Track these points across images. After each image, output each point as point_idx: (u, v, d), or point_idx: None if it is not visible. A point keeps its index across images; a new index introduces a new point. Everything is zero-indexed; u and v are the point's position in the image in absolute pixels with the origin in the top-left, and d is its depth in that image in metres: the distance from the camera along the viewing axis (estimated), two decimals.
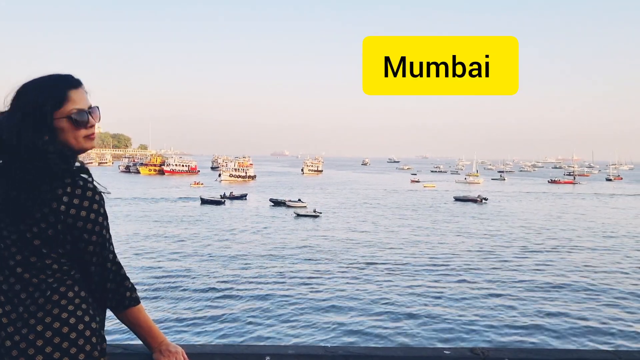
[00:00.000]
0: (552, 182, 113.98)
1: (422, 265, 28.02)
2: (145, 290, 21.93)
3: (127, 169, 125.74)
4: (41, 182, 1.53)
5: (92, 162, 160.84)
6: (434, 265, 28.17)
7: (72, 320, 1.56)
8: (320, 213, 49.22)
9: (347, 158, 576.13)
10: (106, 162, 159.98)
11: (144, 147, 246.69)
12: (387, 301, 21.15)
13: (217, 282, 24.00)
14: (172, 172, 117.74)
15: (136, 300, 1.74)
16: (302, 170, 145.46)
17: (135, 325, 1.76)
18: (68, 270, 1.60)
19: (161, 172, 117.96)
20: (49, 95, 1.59)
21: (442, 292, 22.61)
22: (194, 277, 24.73)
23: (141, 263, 27.63)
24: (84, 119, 1.64)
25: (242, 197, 62.24)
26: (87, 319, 1.59)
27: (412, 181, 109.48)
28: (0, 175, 1.58)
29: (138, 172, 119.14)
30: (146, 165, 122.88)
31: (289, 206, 55.65)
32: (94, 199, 1.57)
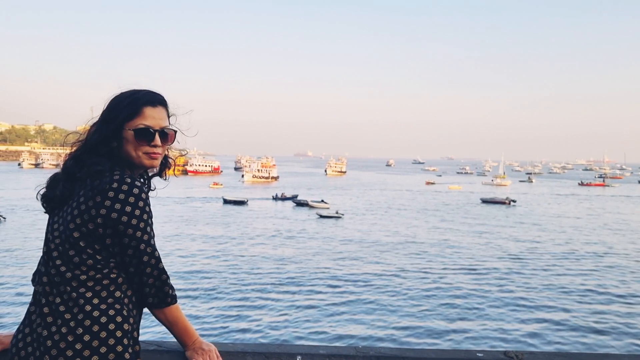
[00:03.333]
0: (583, 184, 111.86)
1: (449, 268, 27.59)
2: (176, 289, 21.95)
3: None
4: (92, 177, 1.60)
5: None
6: (462, 267, 27.71)
7: (103, 319, 1.57)
8: (343, 214, 49.04)
9: (371, 159, 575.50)
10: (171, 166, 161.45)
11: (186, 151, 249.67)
12: (415, 302, 20.84)
13: (243, 281, 23.98)
14: (196, 172, 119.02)
15: (175, 299, 1.75)
16: (325, 171, 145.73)
17: (172, 324, 1.77)
18: (102, 269, 1.62)
19: (184, 173, 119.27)
20: (125, 108, 1.70)
21: (471, 294, 22.18)
22: (219, 277, 24.75)
23: (168, 263, 27.67)
24: (147, 135, 1.71)
25: (294, 197, 61.90)
26: (119, 319, 1.60)
27: (427, 182, 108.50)
28: (64, 173, 1.70)
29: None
30: None
31: (311, 207, 55.62)
32: (139, 197, 1.60)
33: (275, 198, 60.99)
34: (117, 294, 1.62)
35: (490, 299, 21.63)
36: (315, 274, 25.64)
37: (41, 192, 1.73)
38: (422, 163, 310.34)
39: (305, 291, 22.42)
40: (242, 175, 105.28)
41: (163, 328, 1.81)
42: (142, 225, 1.60)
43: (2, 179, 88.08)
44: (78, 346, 1.53)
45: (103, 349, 1.54)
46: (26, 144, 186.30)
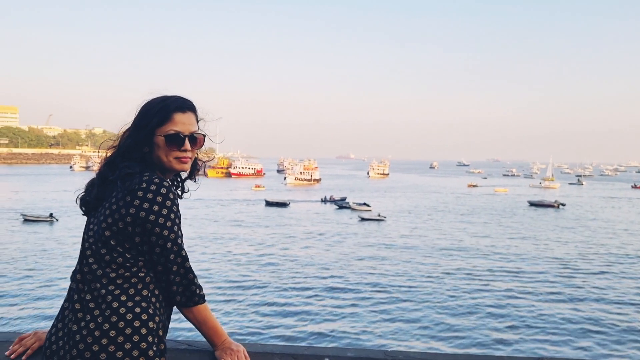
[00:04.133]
0: (636, 187, 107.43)
1: (493, 273, 26.97)
2: (210, 288, 22.34)
3: None
4: (123, 179, 1.67)
5: None
6: (507, 272, 27.03)
7: (129, 316, 1.61)
8: (385, 217, 48.69)
9: (414, 161, 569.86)
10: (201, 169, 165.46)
11: (211, 150, 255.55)
12: (456, 308, 20.48)
13: (280, 283, 24.12)
14: (239, 174, 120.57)
15: (203, 298, 1.77)
16: (368, 173, 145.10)
17: (201, 323, 1.79)
18: (131, 267, 1.67)
19: (228, 175, 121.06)
20: (156, 114, 1.76)
21: (516, 300, 21.62)
22: (257, 278, 24.99)
23: (207, 263, 28.24)
24: (177, 140, 1.77)
25: (342, 200, 61.84)
26: (144, 317, 1.63)
27: (470, 185, 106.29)
28: (98, 177, 1.78)
29: (206, 174, 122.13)
30: (213, 168, 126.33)
31: (353, 209, 55.43)
32: (167, 196, 1.64)
33: (324, 200, 60.75)
34: (145, 292, 1.66)
35: (537, 305, 21.01)
36: (354, 277, 25.53)
37: (79, 196, 1.82)
38: (467, 165, 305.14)
39: (343, 294, 22.36)
40: (285, 178, 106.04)
41: (195, 329, 1.83)
42: (169, 224, 1.64)
43: (56, 181, 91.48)
44: (104, 341, 1.57)
45: (127, 345, 1.58)
46: (77, 147, 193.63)
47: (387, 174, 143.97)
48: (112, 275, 1.64)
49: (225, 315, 18.99)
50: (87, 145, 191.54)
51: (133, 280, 1.65)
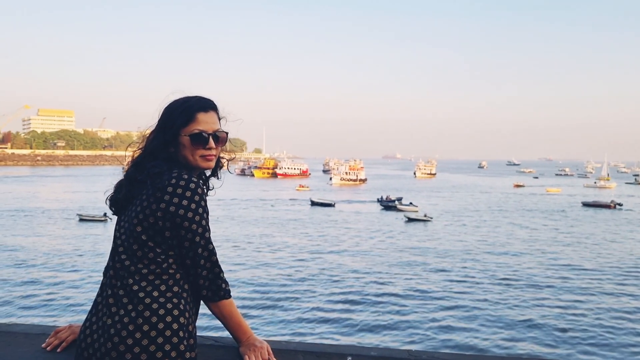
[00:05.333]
0: None
1: (543, 275, 26.18)
2: (249, 287, 22.63)
3: (243, 172, 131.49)
4: (152, 178, 1.72)
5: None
6: (558, 276, 26.15)
7: (161, 312, 1.66)
8: (432, 217, 48.00)
9: (462, 161, 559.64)
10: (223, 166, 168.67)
11: (258, 151, 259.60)
12: (486, 310, 20.00)
13: (319, 282, 24.13)
14: (285, 175, 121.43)
15: (228, 293, 1.81)
16: (414, 173, 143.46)
17: (226, 318, 1.83)
18: (162, 263, 1.72)
19: (274, 175, 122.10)
20: (180, 115, 1.81)
21: (563, 304, 20.92)
22: (297, 278, 25.07)
23: (248, 262, 28.58)
24: (202, 139, 1.82)
25: (398, 200, 61.47)
26: (176, 312, 1.68)
27: (516, 185, 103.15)
28: (126, 178, 1.84)
29: (252, 175, 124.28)
30: (260, 168, 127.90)
31: (400, 210, 54.91)
32: (195, 191, 1.69)
33: (380, 201, 60.13)
34: (175, 288, 1.71)
35: (591, 314, 20.23)
36: (396, 278, 25.28)
37: (109, 197, 1.89)
38: (518, 164, 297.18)
39: (384, 295, 22.16)
40: (330, 178, 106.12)
41: (221, 325, 1.87)
42: (197, 218, 1.69)
43: (109, 182, 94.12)
44: (138, 335, 1.63)
45: (160, 340, 1.64)
46: (129, 149, 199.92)
47: (434, 174, 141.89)
48: (144, 271, 1.69)
49: (258, 313, 19.23)
50: None
51: (164, 276, 1.70)
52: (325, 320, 18.66)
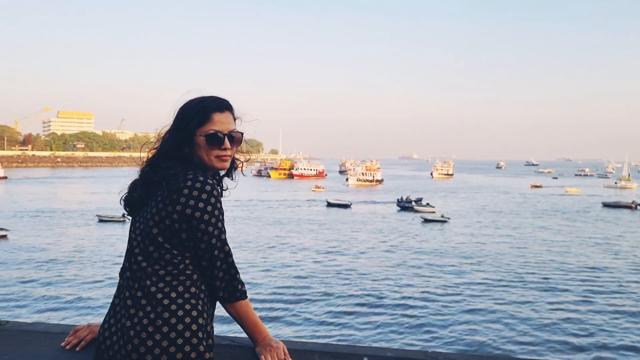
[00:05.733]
0: None
1: (560, 277, 25.83)
2: (263, 287, 22.68)
3: (259, 173, 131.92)
4: (168, 180, 1.73)
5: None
6: (578, 279, 25.76)
7: (180, 313, 1.67)
8: (449, 218, 47.68)
9: (479, 161, 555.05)
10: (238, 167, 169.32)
11: (274, 152, 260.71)
12: (504, 312, 19.80)
13: (335, 283, 24.11)
14: (301, 175, 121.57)
15: (245, 294, 1.82)
16: (431, 174, 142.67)
17: (242, 318, 1.84)
18: (179, 264, 1.72)
19: (290, 176, 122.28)
20: (195, 115, 1.81)
21: (579, 306, 20.61)
22: (313, 278, 25.08)
23: (264, 263, 28.65)
24: (217, 140, 1.81)
25: (418, 200, 61.24)
26: (194, 313, 1.69)
27: (533, 186, 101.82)
28: (141, 178, 1.84)
29: (269, 175, 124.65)
30: (276, 169, 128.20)
31: (416, 211, 54.62)
32: (212, 195, 1.69)
33: (400, 201, 59.77)
34: (193, 289, 1.72)
35: (610, 314, 19.92)
36: (411, 278, 25.16)
37: (123, 197, 1.89)
38: (536, 165, 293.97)
39: (401, 296, 22.07)
40: (347, 179, 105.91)
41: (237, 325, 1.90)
42: (213, 220, 1.70)
43: (127, 183, 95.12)
44: (157, 337, 1.64)
45: (180, 341, 1.65)
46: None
47: (452, 175, 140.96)
48: (161, 272, 1.70)
49: (274, 314, 19.29)
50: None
51: (181, 277, 1.71)
52: (342, 321, 18.65)
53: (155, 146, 1.88)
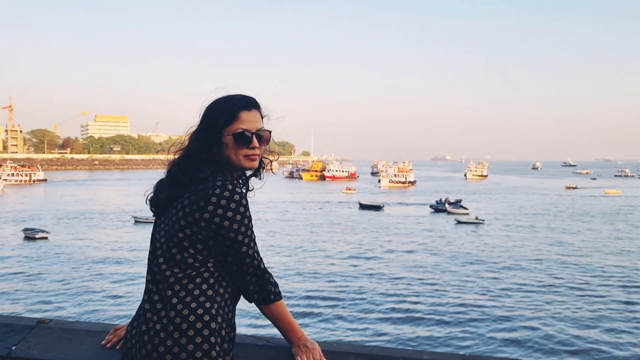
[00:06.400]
0: None
1: (598, 284, 25.11)
2: (298, 289, 22.72)
3: (291, 175, 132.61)
4: (196, 183, 1.70)
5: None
6: (617, 285, 24.98)
7: (191, 318, 1.65)
8: (483, 220, 46.94)
9: (514, 162, 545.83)
10: (272, 169, 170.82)
11: (306, 154, 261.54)
12: (542, 319, 19.36)
13: (366, 284, 24.03)
14: (333, 177, 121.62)
15: (279, 295, 1.80)
16: (465, 175, 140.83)
17: (277, 320, 1.82)
18: (200, 267, 1.69)
19: (322, 178, 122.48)
20: (222, 114, 1.78)
21: (619, 316, 19.98)
22: (346, 279, 25.07)
23: (299, 264, 28.73)
24: (245, 139, 1.78)
25: (457, 202, 60.55)
26: (206, 318, 1.66)
27: (568, 187, 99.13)
28: (168, 179, 1.81)
29: (300, 177, 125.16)
30: (308, 171, 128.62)
31: (450, 212, 53.96)
32: (240, 202, 1.66)
33: (438, 203, 59.07)
34: (209, 292, 1.70)
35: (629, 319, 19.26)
36: (445, 281, 24.86)
37: (149, 197, 1.87)
38: (574, 165, 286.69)
39: (436, 298, 21.85)
40: (379, 181, 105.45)
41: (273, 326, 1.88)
42: (242, 229, 1.67)
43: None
44: (169, 343, 1.63)
45: (190, 347, 1.63)
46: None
47: (486, 176, 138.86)
48: (180, 275, 1.68)
49: (308, 315, 19.32)
50: None
51: (197, 280, 1.69)
52: (376, 324, 18.58)
53: (183, 146, 1.85)
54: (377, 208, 59.20)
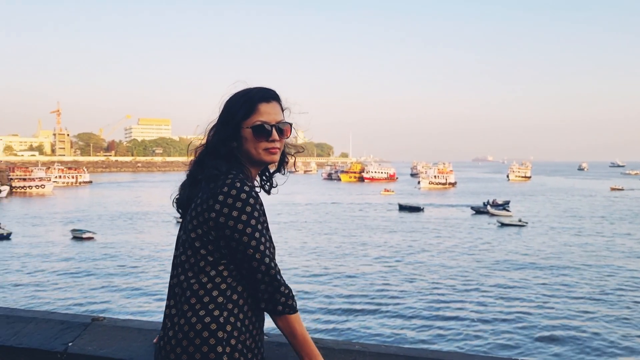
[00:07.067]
0: None
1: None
2: (337, 291, 22.68)
3: (329, 176, 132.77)
4: (208, 180, 1.65)
5: (297, 171, 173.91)
6: None
7: (198, 326, 1.61)
8: (527, 222, 45.82)
9: (559, 162, 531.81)
10: (311, 170, 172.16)
11: (344, 155, 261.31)
12: (593, 325, 18.75)
13: (408, 287, 23.81)
14: (372, 179, 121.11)
15: (291, 308, 1.65)
16: (507, 176, 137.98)
17: (288, 335, 1.68)
18: (210, 271, 1.64)
19: (361, 179, 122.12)
20: (241, 107, 1.72)
21: None
22: (386, 282, 24.91)
23: (340, 266, 28.69)
24: (264, 131, 1.72)
25: (506, 204, 59.50)
26: (213, 327, 1.60)
27: (613, 188, 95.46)
28: (188, 178, 1.79)
29: (339, 179, 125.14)
30: (347, 172, 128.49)
31: (492, 214, 52.95)
32: (247, 201, 1.59)
33: (486, 205, 58.05)
34: (220, 299, 1.63)
35: None
36: (488, 286, 24.36)
37: (175, 199, 1.83)
38: (622, 166, 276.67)
39: (475, 301, 21.50)
40: (419, 182, 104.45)
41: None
42: (249, 230, 1.59)
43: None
44: (178, 350, 1.60)
45: (197, 356, 1.59)
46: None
47: (529, 177, 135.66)
48: (192, 281, 1.63)
49: (350, 317, 19.25)
50: None
51: (209, 286, 1.63)
52: (423, 327, 18.42)
53: (202, 142, 1.79)
54: (416, 209, 58.59)
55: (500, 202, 58.68)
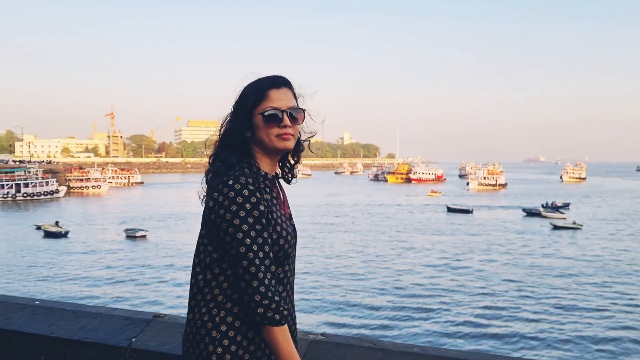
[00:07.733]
0: None
1: None
2: (384, 292, 22.51)
3: (376, 177, 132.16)
4: (214, 176, 1.66)
5: (344, 172, 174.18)
6: None
7: (198, 323, 1.62)
8: (581, 225, 44.23)
9: (616, 163, 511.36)
10: (357, 171, 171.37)
11: (391, 156, 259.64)
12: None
13: (458, 289, 23.48)
14: (419, 180, 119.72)
15: (271, 320, 1.53)
16: (561, 177, 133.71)
17: (272, 348, 1.57)
18: (213, 269, 1.62)
19: (408, 180, 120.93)
20: (251, 95, 1.71)
21: None
22: (435, 284, 24.62)
23: (388, 267, 28.50)
24: (275, 117, 1.68)
25: (565, 206, 58.01)
26: (209, 325, 1.60)
27: None
28: (206, 173, 1.75)
29: (385, 180, 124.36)
30: (393, 173, 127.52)
31: (545, 217, 51.39)
32: (233, 198, 1.55)
33: (545, 206, 56.62)
34: (220, 297, 1.61)
35: None
36: (545, 290, 23.66)
37: (200, 195, 1.79)
38: None
39: (526, 308, 20.94)
40: (467, 183, 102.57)
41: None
42: (239, 229, 1.54)
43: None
44: (187, 344, 1.64)
45: (196, 351, 1.60)
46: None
47: (584, 178, 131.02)
48: (199, 277, 1.64)
49: (401, 320, 19.11)
50: None
51: (213, 283, 1.62)
52: (475, 333, 18.14)
53: (217, 134, 1.79)
54: (466, 212, 57.51)
55: (559, 204, 56.78)
